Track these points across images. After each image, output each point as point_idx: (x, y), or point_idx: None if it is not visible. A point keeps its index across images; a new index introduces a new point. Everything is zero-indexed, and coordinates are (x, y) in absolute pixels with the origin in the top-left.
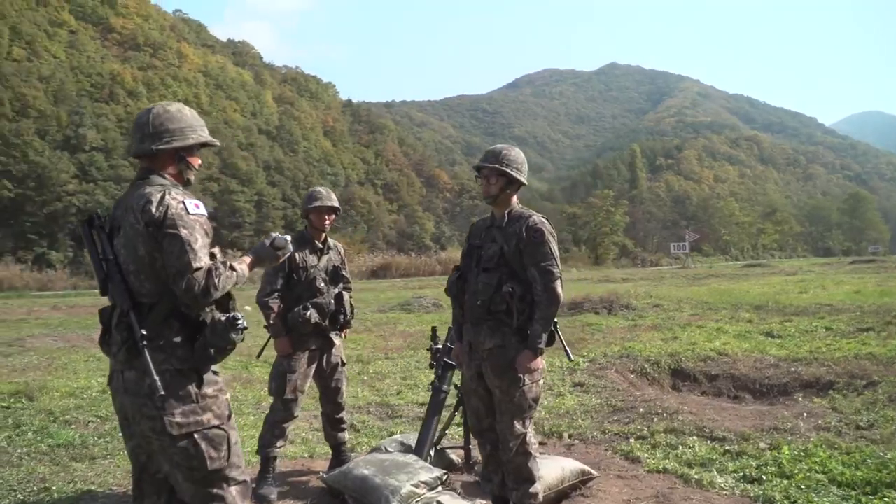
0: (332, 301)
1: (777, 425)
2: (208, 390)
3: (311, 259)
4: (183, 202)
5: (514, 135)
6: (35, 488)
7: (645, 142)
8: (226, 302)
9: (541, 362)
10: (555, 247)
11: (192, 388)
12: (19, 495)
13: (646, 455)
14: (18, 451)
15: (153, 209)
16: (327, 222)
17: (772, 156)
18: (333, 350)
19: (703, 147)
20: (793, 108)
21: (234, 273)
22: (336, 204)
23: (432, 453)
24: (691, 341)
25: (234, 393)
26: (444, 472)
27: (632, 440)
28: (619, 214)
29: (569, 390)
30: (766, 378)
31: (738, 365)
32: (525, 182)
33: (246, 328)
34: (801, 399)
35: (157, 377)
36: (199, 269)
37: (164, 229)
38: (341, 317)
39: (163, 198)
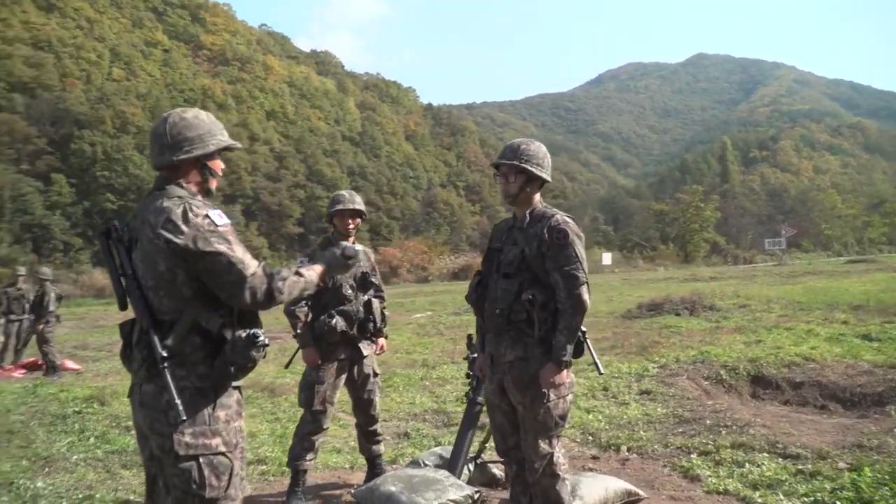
0: (361, 309)
1: (861, 442)
2: (221, 414)
3: None
4: (208, 216)
5: (598, 131)
6: (80, 496)
7: (737, 133)
8: (251, 317)
9: (567, 376)
10: (581, 249)
11: (207, 410)
12: (65, 502)
13: (707, 473)
14: (75, 456)
15: (180, 227)
16: (351, 226)
17: (879, 143)
18: (364, 360)
19: (801, 137)
20: None
21: (302, 279)
22: (360, 207)
23: (471, 468)
24: (776, 345)
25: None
26: (477, 490)
27: (693, 456)
28: (710, 210)
29: (634, 398)
30: (858, 386)
31: (827, 371)
32: (548, 179)
33: (267, 345)
34: (894, 412)
35: (178, 401)
36: (253, 274)
37: (200, 248)
38: (370, 325)
39: (186, 215)
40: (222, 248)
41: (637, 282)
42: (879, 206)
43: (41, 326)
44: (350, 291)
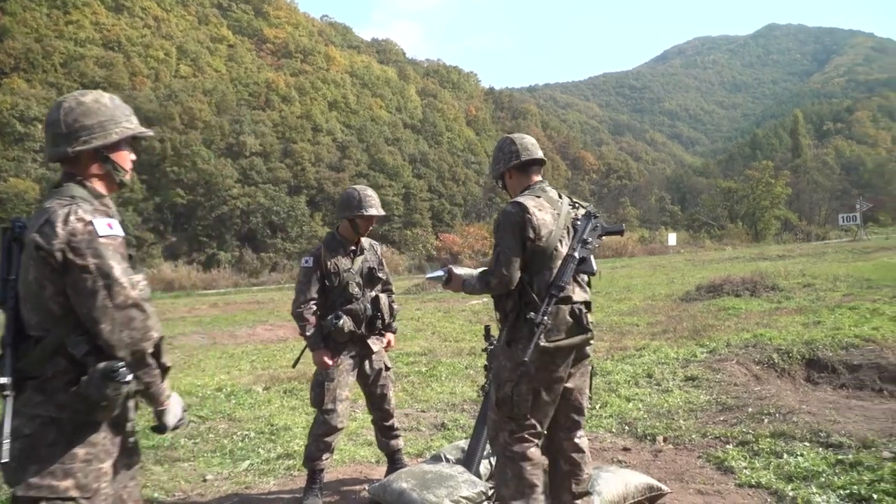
0: (368, 305)
1: None
2: (80, 452)
3: (344, 263)
4: (91, 223)
5: (664, 109)
6: None
7: (810, 106)
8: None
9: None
10: (507, 237)
11: (62, 444)
12: None
13: (742, 465)
14: None
15: (56, 231)
16: (371, 228)
17: None
18: (374, 356)
19: (879, 107)
20: None
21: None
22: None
23: (491, 462)
24: (836, 326)
25: None
26: (492, 486)
27: (730, 446)
28: (780, 186)
29: (678, 385)
30: None
31: (887, 353)
32: (504, 169)
33: (127, 382)
34: None
35: (6, 440)
36: (123, 305)
37: (69, 258)
38: (379, 322)
39: (67, 218)
40: (94, 262)
41: (701, 262)
42: None
43: None
44: (357, 289)
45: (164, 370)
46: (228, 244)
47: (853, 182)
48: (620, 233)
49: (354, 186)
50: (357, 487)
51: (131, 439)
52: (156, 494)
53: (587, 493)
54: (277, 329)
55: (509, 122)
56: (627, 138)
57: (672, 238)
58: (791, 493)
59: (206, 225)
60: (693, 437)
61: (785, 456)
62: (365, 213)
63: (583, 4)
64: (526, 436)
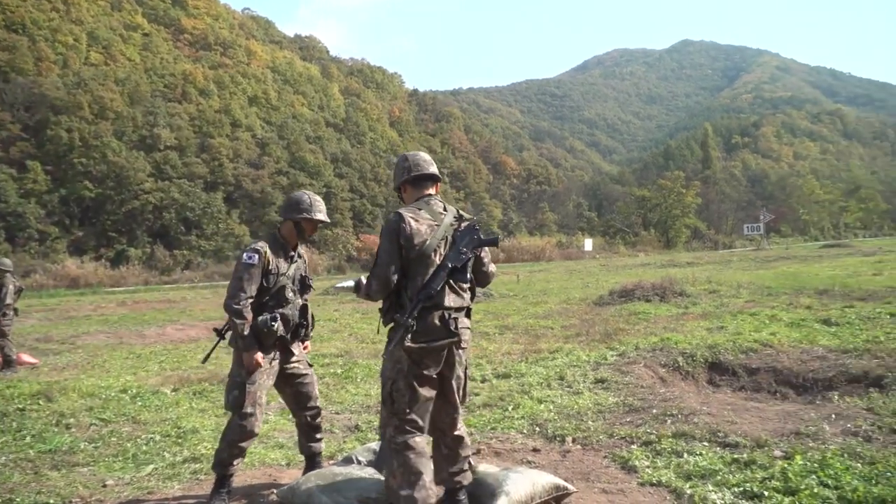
0: (297, 312)
1: (800, 429)
2: None
3: (283, 266)
4: None
5: (584, 117)
6: None
7: (720, 120)
8: None
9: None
10: (383, 242)
11: None
12: None
13: (645, 464)
14: (4, 458)
15: None
16: (313, 235)
17: (857, 130)
18: (293, 358)
19: (782, 123)
20: (881, 78)
21: None
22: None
23: None
24: (737, 331)
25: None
26: None
27: (634, 446)
28: (691, 196)
29: (588, 387)
30: (811, 371)
31: (782, 357)
32: (398, 184)
33: None
34: (836, 398)
35: None
36: None
37: None
38: (303, 330)
39: None
40: None
41: (615, 268)
42: (856, 191)
43: None
44: (291, 294)
45: None
46: (139, 240)
47: (758, 194)
48: (495, 243)
49: (304, 190)
50: (266, 492)
51: None
52: (51, 501)
53: (464, 471)
54: (189, 329)
55: (433, 124)
56: (548, 145)
57: (588, 244)
58: (689, 491)
59: (116, 220)
60: (600, 437)
61: (685, 455)
62: (314, 217)
63: (508, 11)
64: (408, 428)
